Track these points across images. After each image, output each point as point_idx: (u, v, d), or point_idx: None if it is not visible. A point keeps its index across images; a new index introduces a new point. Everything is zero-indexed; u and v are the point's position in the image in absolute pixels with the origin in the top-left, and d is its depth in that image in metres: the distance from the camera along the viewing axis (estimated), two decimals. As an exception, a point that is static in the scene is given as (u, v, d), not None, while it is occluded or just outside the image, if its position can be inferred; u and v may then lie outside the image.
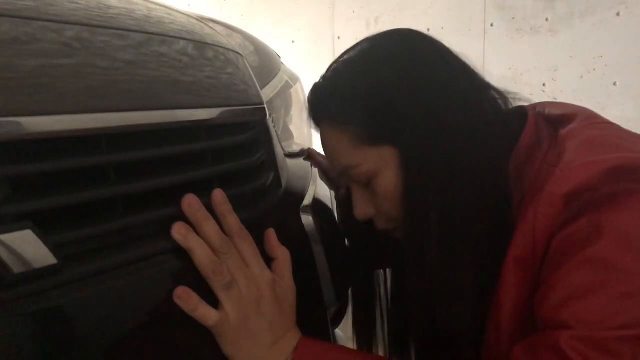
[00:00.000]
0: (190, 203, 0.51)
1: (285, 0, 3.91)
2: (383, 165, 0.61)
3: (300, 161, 0.88)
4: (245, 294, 0.53)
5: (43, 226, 0.40)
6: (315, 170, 0.90)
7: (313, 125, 0.70)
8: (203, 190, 0.54)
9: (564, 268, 0.50)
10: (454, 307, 0.59)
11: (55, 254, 0.40)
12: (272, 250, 0.59)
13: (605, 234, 0.48)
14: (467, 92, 0.61)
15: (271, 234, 0.59)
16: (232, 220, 0.54)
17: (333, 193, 0.90)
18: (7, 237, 0.37)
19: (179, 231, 0.50)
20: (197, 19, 0.75)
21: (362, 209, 0.66)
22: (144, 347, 0.47)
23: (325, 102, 0.65)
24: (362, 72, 0.63)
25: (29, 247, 0.39)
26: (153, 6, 0.67)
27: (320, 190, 0.87)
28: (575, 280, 0.49)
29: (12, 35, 0.43)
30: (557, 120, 0.63)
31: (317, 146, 1.06)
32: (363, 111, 0.61)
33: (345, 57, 0.67)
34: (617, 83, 2.83)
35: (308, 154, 0.91)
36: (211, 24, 0.79)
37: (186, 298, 0.49)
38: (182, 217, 0.51)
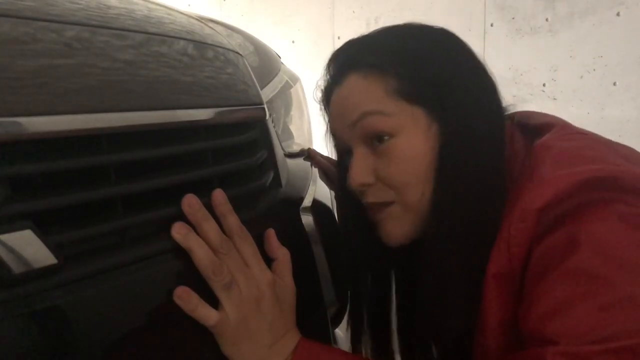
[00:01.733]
0: (190, 203, 0.51)
1: (285, 0, 3.91)
2: (410, 125, 0.59)
3: (300, 161, 0.88)
4: (245, 294, 0.53)
5: (43, 226, 0.40)
6: (315, 170, 0.90)
7: (333, 75, 0.67)
8: (203, 190, 0.54)
9: (544, 282, 0.49)
10: (447, 295, 0.59)
11: (55, 254, 0.40)
12: (272, 251, 0.59)
13: (582, 245, 0.48)
14: (493, 89, 0.63)
15: (271, 234, 0.59)
16: (232, 220, 0.54)
17: (333, 193, 0.90)
18: (7, 237, 0.37)
19: (178, 231, 0.50)
20: (197, 19, 0.75)
21: (362, 174, 0.62)
22: (143, 347, 0.47)
23: (365, 51, 0.63)
24: (407, 34, 0.63)
25: (29, 247, 0.39)
26: (153, 6, 0.67)
27: (320, 190, 0.87)
28: (556, 293, 0.48)
29: (12, 35, 0.43)
30: (533, 131, 0.63)
31: (317, 146, 1.06)
32: (407, 66, 0.60)
33: (381, 29, 0.67)
34: (617, 83, 2.83)
35: (308, 154, 0.91)
36: (211, 24, 0.79)
37: (186, 298, 0.49)
38: (182, 217, 0.51)
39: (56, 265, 0.40)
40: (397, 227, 0.63)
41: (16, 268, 0.38)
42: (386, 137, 0.60)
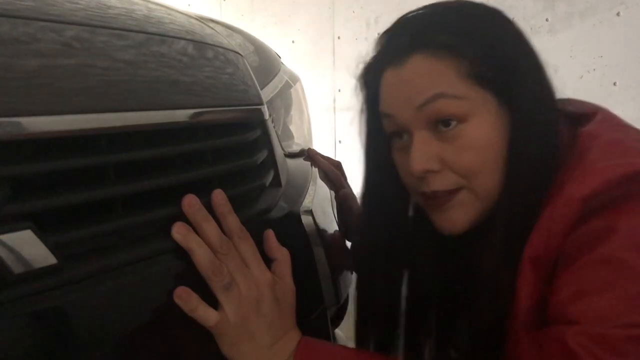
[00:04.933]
0: (190, 203, 0.51)
1: (285, 0, 3.91)
2: (481, 109, 0.57)
3: (300, 161, 0.88)
4: (245, 294, 0.53)
5: (43, 226, 0.40)
6: (316, 170, 0.90)
7: (390, 54, 0.61)
8: (203, 190, 0.54)
9: (575, 266, 0.50)
10: (494, 282, 0.58)
11: (55, 254, 0.40)
12: (272, 251, 0.59)
13: (617, 235, 0.49)
14: (546, 74, 0.62)
15: (270, 235, 0.59)
16: (232, 220, 0.54)
17: (333, 193, 0.90)
18: (7, 237, 0.37)
19: (178, 231, 0.50)
20: (197, 19, 0.75)
21: (426, 160, 0.58)
22: (143, 347, 0.47)
23: (432, 30, 0.59)
24: (471, 14, 0.61)
25: (29, 247, 0.39)
26: (153, 6, 0.67)
27: (320, 190, 0.87)
28: (585, 278, 0.49)
29: (12, 35, 0.43)
30: (576, 118, 0.63)
31: (317, 146, 1.06)
32: (480, 48, 0.57)
33: (435, 5, 0.63)
34: (617, 83, 2.83)
35: (308, 155, 0.91)
36: (211, 24, 0.79)
37: (186, 298, 0.49)
38: (182, 217, 0.51)
39: (56, 266, 0.40)
40: (463, 214, 0.60)
41: (16, 268, 0.38)
42: (454, 122, 0.57)
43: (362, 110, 0.69)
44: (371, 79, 0.65)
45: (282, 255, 0.59)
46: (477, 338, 0.61)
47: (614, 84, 2.80)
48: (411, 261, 0.70)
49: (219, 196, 0.54)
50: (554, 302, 0.51)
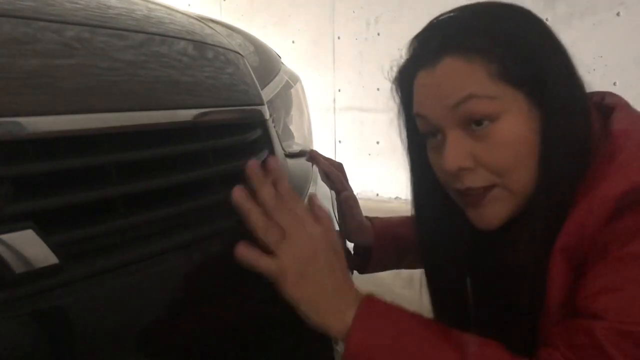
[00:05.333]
0: (252, 165, 0.56)
1: (285, 0, 3.91)
2: (513, 108, 0.59)
3: (300, 161, 0.88)
4: (301, 244, 0.57)
5: (44, 226, 0.40)
6: (316, 171, 0.90)
7: (422, 57, 0.63)
8: (203, 190, 0.54)
9: (605, 261, 0.52)
10: (529, 274, 0.60)
11: (56, 254, 0.40)
12: (317, 210, 0.61)
13: None
14: (575, 70, 0.63)
15: (314, 198, 0.63)
16: (284, 184, 0.59)
17: (333, 194, 0.90)
18: (8, 237, 0.38)
19: (238, 194, 0.55)
20: (197, 19, 0.75)
21: (460, 157, 0.60)
22: (144, 346, 0.47)
23: (463, 33, 0.61)
24: (500, 16, 0.62)
25: (30, 247, 0.39)
26: (153, 6, 0.67)
27: (320, 190, 0.87)
28: (614, 274, 0.52)
29: (12, 35, 0.43)
30: (607, 112, 0.64)
31: (317, 146, 1.06)
32: (509, 49, 0.59)
33: (465, 7, 0.65)
34: (617, 83, 2.83)
35: (310, 156, 0.91)
36: (211, 24, 0.79)
37: (247, 252, 0.54)
38: (182, 217, 0.51)
39: (57, 265, 0.40)
40: (497, 211, 0.63)
41: (17, 268, 0.38)
42: (486, 122, 0.59)
43: (399, 112, 0.71)
44: (405, 81, 0.67)
45: (325, 213, 0.62)
46: (511, 326, 0.63)
47: (614, 84, 2.80)
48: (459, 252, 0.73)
49: (273, 162, 0.58)
50: (583, 295, 0.53)
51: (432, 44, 0.62)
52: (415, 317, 0.59)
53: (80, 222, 0.44)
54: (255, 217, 0.56)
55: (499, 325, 0.64)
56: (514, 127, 0.59)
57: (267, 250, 0.55)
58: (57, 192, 0.43)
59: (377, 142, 3.66)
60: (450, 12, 0.65)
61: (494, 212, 0.63)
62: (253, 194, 0.57)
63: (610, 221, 0.53)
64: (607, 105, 0.65)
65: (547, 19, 3.07)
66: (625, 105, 0.65)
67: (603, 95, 0.67)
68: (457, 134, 0.61)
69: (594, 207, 0.54)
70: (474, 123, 0.59)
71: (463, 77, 0.59)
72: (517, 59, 0.59)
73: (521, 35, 0.60)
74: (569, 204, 0.57)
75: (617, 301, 0.51)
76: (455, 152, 0.60)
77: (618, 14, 2.78)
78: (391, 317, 0.58)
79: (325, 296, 0.57)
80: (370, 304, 0.58)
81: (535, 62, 0.59)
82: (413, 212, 0.77)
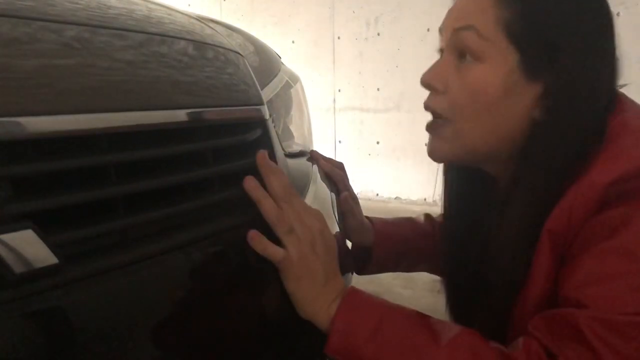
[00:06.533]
0: (262, 156, 0.60)
1: (285, 0, 3.91)
2: (499, 59, 0.59)
3: (300, 161, 0.88)
4: (303, 238, 0.60)
5: (44, 226, 0.40)
6: (316, 170, 0.90)
7: None
8: (203, 190, 0.54)
9: (590, 252, 0.53)
10: (508, 249, 0.61)
11: (56, 254, 0.40)
12: (311, 207, 0.64)
13: (633, 226, 0.51)
14: (612, 53, 0.64)
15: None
16: (285, 179, 0.62)
17: (333, 194, 0.90)
18: (8, 237, 0.37)
19: (248, 183, 0.58)
20: (197, 19, 0.75)
21: (434, 75, 0.63)
22: (144, 347, 0.47)
23: None
24: None
25: (29, 247, 0.39)
26: (153, 6, 0.67)
27: (320, 190, 0.87)
28: (598, 265, 0.52)
29: (12, 35, 0.43)
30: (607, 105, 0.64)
31: (317, 146, 1.06)
32: (527, 6, 0.59)
33: None
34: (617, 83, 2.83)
35: (311, 156, 0.91)
36: (211, 24, 0.79)
37: (258, 239, 0.57)
38: (182, 217, 0.51)
39: (57, 265, 0.40)
40: (441, 145, 0.65)
41: (17, 268, 0.38)
42: (469, 58, 0.61)
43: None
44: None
45: (319, 210, 0.65)
46: (493, 308, 0.64)
47: (614, 83, 2.79)
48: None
49: (262, 157, 0.61)
50: (568, 284, 0.54)
51: None
52: (395, 307, 0.61)
53: (80, 222, 0.44)
54: (268, 206, 0.59)
55: (474, 304, 0.66)
56: (489, 76, 0.60)
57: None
58: (57, 192, 0.43)
59: (377, 142, 3.66)
60: None
61: (437, 145, 0.65)
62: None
63: (597, 210, 0.53)
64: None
65: (547, 19, 3.03)
66: (623, 97, 0.65)
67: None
68: (448, 58, 0.64)
69: (583, 192, 0.55)
70: (463, 55, 0.62)
71: (473, 8, 0.61)
72: (529, 20, 0.59)
73: (547, 6, 0.59)
74: (561, 189, 0.57)
75: (601, 292, 0.51)
76: (434, 70, 0.64)
77: (618, 14, 2.78)
78: (371, 308, 0.60)
79: (317, 288, 0.60)
80: (353, 296, 0.61)
81: (547, 36, 0.58)
82: (442, 211, 0.79)
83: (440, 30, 0.66)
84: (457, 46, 0.62)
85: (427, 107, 0.65)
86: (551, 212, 0.57)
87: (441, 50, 0.66)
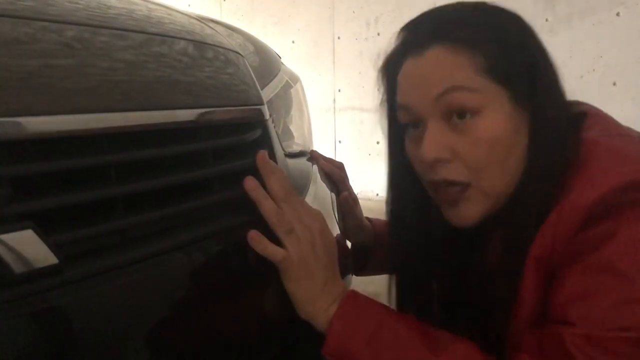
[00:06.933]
0: (262, 156, 0.60)
1: (285, 0, 3.91)
2: (495, 105, 0.59)
3: (300, 161, 0.88)
4: (303, 238, 0.60)
5: (44, 226, 0.40)
6: (316, 171, 0.90)
7: (410, 46, 0.63)
8: (203, 190, 0.54)
9: (575, 269, 0.53)
10: (501, 276, 0.61)
11: (56, 254, 0.40)
12: (312, 208, 0.65)
13: (616, 242, 0.51)
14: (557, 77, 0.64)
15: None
16: (286, 180, 0.62)
17: (333, 195, 0.90)
18: (8, 237, 0.38)
19: (249, 184, 0.59)
20: (197, 19, 0.75)
21: (438, 147, 0.60)
22: (144, 347, 0.47)
23: (453, 25, 0.61)
24: (490, 13, 0.63)
25: (29, 247, 0.39)
26: (153, 6, 0.67)
27: (320, 190, 0.87)
28: (583, 282, 0.53)
29: (12, 35, 0.43)
30: (577, 121, 0.64)
31: (317, 146, 1.06)
32: (498, 46, 0.59)
33: (455, 4, 0.65)
34: (617, 83, 2.83)
35: (311, 156, 0.91)
36: (211, 24, 0.79)
37: (258, 239, 0.57)
38: (182, 217, 0.51)
39: (57, 265, 0.40)
40: (472, 210, 0.62)
41: (17, 268, 0.38)
42: (468, 115, 0.59)
43: (381, 102, 0.71)
44: (391, 70, 0.67)
45: (319, 211, 0.65)
46: (483, 330, 0.63)
47: (614, 84, 2.80)
48: (431, 250, 0.72)
49: (262, 158, 0.61)
50: (554, 302, 0.54)
51: (422, 33, 0.63)
52: (393, 313, 0.61)
53: (80, 222, 0.44)
54: (268, 206, 0.59)
55: (467, 326, 0.64)
56: (494, 124, 0.59)
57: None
58: (57, 192, 0.43)
59: (377, 142, 3.66)
60: (443, 6, 0.65)
61: (468, 212, 0.62)
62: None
63: (580, 230, 0.54)
64: (577, 114, 0.65)
65: (547, 19, 3.09)
66: (596, 114, 0.64)
67: (570, 103, 0.66)
68: (438, 125, 0.60)
69: (564, 216, 0.55)
70: (455, 115, 0.59)
71: (449, 68, 0.59)
72: (504, 57, 0.59)
73: (511, 36, 0.60)
74: (544, 214, 0.57)
75: (586, 308, 0.52)
76: (434, 143, 0.60)
77: (618, 14, 2.78)
78: (370, 313, 0.60)
79: (317, 288, 0.60)
80: (352, 299, 0.61)
81: (522, 64, 0.59)
82: (387, 207, 0.76)
83: (406, 106, 0.63)
84: (448, 110, 0.59)
85: (445, 180, 0.61)
86: (534, 239, 0.57)
87: (414, 125, 0.63)
